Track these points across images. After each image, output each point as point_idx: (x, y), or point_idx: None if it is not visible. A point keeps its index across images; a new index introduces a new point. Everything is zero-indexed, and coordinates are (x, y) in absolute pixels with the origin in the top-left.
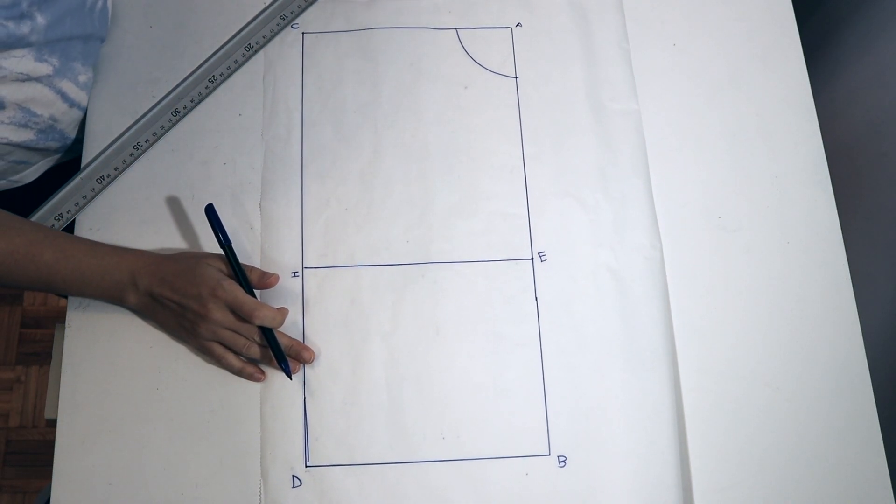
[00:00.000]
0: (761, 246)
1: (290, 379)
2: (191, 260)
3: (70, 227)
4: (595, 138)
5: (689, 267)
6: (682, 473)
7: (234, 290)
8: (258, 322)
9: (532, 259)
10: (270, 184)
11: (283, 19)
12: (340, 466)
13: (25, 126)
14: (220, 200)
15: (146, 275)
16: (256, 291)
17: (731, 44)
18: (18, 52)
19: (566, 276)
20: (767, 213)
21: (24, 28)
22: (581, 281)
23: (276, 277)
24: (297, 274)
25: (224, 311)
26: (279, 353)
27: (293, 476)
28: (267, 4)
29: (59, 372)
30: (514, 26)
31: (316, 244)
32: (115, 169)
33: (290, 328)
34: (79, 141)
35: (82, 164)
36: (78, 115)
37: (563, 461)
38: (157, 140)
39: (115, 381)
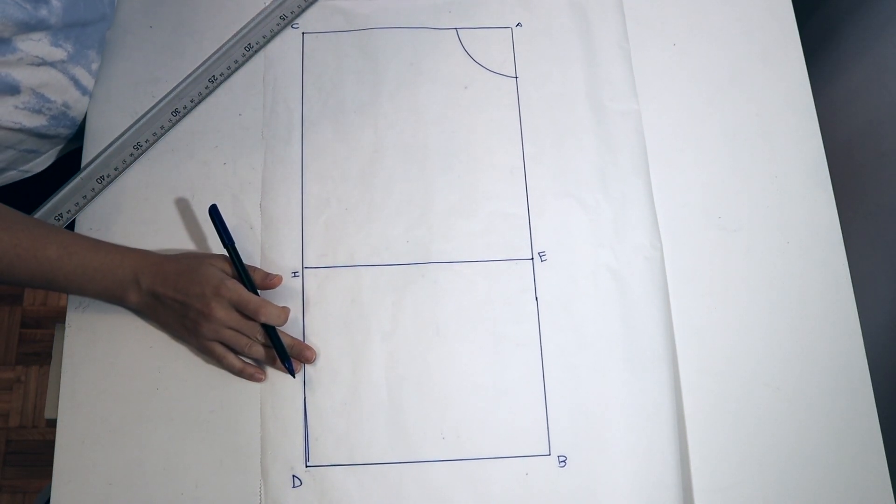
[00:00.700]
0: (761, 246)
1: (294, 377)
2: (193, 260)
3: (70, 227)
4: (595, 138)
5: (689, 267)
6: (682, 473)
7: (238, 288)
8: (264, 319)
9: (532, 259)
10: (270, 184)
11: (283, 19)
12: (341, 466)
13: (39, 112)
14: (220, 200)
15: (149, 274)
16: (259, 292)
17: (731, 44)
18: (35, 36)
19: (566, 276)
20: (767, 213)
21: (43, 11)
22: (581, 281)
23: (280, 278)
24: (297, 274)
25: (227, 311)
26: (283, 352)
27: (293, 476)
28: (267, 4)
29: (59, 372)
30: (514, 26)
31: (316, 244)
32: (115, 169)
33: (290, 328)
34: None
35: (82, 164)
36: (87, 102)
37: (564, 461)
38: (157, 140)
39: (115, 381)
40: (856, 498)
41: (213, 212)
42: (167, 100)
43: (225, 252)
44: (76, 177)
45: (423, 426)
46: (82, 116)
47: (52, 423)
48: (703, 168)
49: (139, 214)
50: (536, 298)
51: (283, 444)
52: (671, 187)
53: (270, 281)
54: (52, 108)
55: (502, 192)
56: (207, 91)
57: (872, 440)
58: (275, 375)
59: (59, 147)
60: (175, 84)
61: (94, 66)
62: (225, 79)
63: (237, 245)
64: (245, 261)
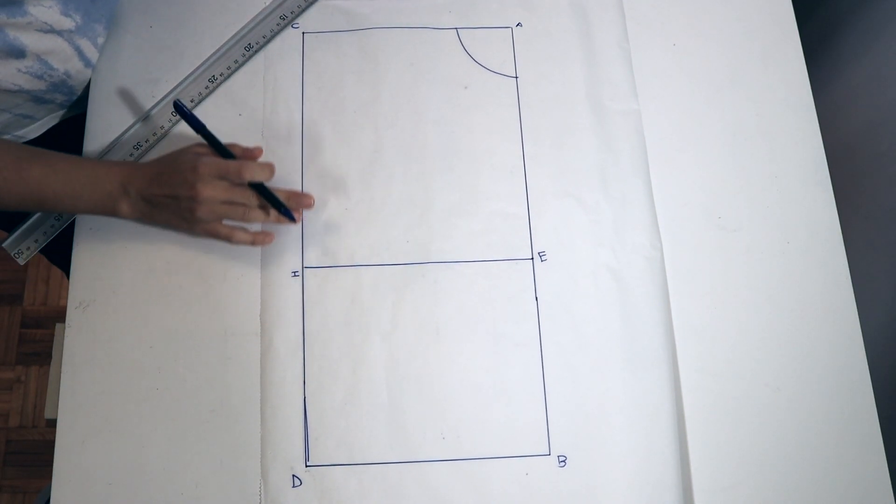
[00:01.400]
0: (761, 246)
1: (296, 222)
2: (171, 155)
3: (70, 227)
4: (595, 138)
5: (689, 267)
6: (681, 473)
7: (215, 160)
8: (248, 177)
9: (532, 259)
10: (271, 183)
11: (283, 19)
12: (340, 466)
13: (40, 77)
14: None
15: (136, 180)
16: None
17: (731, 44)
18: (47, 2)
19: (566, 275)
20: (767, 213)
21: None
22: (581, 281)
23: (260, 149)
24: (297, 274)
25: (213, 185)
26: (277, 203)
27: (293, 476)
28: (267, 4)
29: (59, 372)
30: (514, 26)
31: (316, 244)
32: None
33: (290, 327)
34: (83, 99)
35: None
36: (89, 74)
37: (563, 461)
38: (157, 140)
39: (115, 381)
40: (856, 498)
41: (178, 105)
42: (167, 100)
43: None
44: None
45: (423, 426)
46: (82, 87)
47: (52, 423)
48: (703, 168)
49: None
50: (536, 298)
51: (282, 443)
52: (671, 187)
53: (251, 153)
54: (54, 76)
55: (502, 191)
56: (207, 91)
57: (872, 440)
58: (274, 374)
59: (54, 114)
60: (175, 84)
61: (100, 41)
62: (225, 79)
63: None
64: (245, 261)
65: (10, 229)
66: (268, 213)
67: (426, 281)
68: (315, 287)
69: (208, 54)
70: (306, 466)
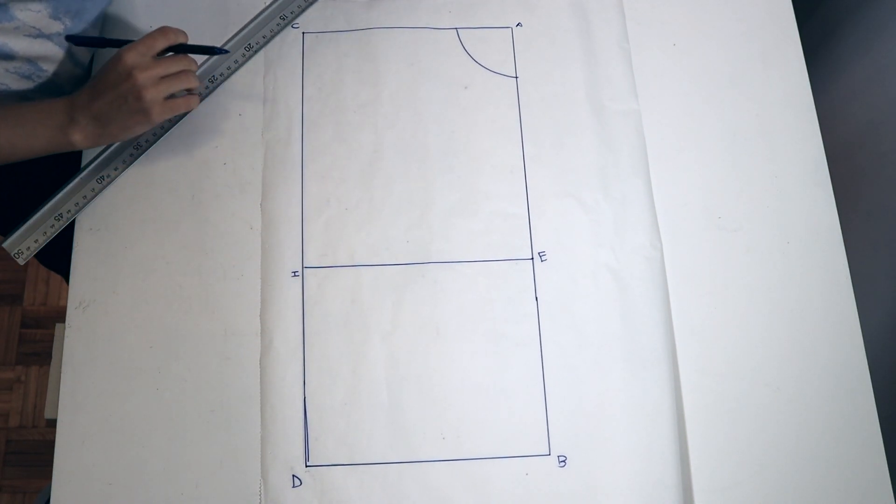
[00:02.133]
0: (761, 246)
1: (229, 52)
2: (97, 70)
3: (70, 227)
4: (595, 138)
5: (689, 267)
6: (681, 473)
7: (135, 45)
8: (172, 38)
9: (532, 259)
10: (271, 184)
11: (283, 19)
12: (340, 466)
13: (28, 78)
14: (220, 200)
15: (78, 105)
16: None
17: (731, 44)
18: (35, 6)
19: (566, 276)
20: (767, 213)
21: None
22: (581, 281)
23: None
24: (297, 273)
25: (145, 66)
26: (208, 49)
27: (293, 476)
28: (267, 4)
29: (59, 372)
30: (514, 26)
31: (316, 244)
32: (115, 169)
33: (290, 327)
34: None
35: (82, 164)
36: (79, 73)
37: (564, 461)
38: (157, 140)
39: (115, 381)
40: (856, 498)
41: (70, 38)
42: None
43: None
44: (76, 177)
45: (423, 426)
46: (71, 85)
47: (52, 423)
48: (702, 168)
49: (139, 214)
50: (536, 298)
51: (282, 443)
52: (671, 187)
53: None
54: (42, 76)
55: (502, 192)
56: (208, 91)
57: (872, 440)
58: (274, 374)
59: None
60: None
61: None
62: (225, 79)
63: (237, 245)
64: (245, 261)
65: (10, 229)
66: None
67: (426, 281)
68: (315, 287)
69: None
70: (306, 466)
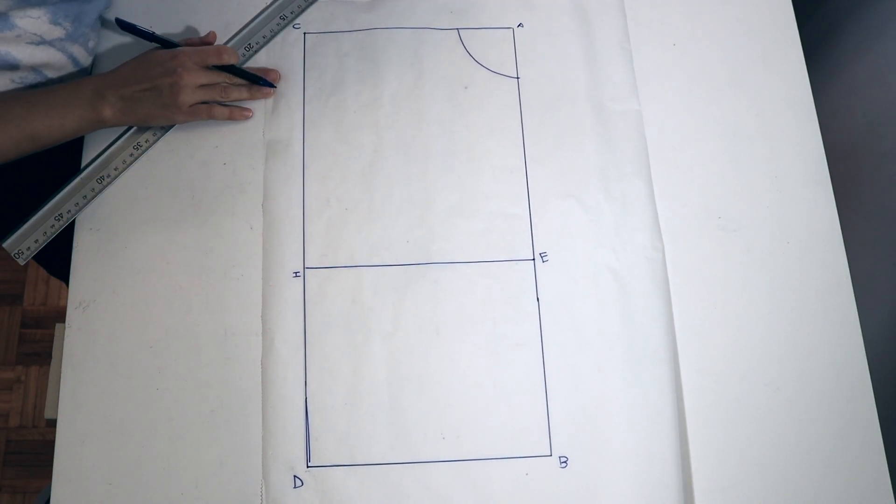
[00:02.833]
0: (761, 246)
1: (274, 87)
2: (140, 56)
3: (70, 227)
4: (596, 139)
5: (689, 267)
6: (682, 474)
7: (192, 49)
8: (226, 58)
9: (533, 259)
10: (272, 184)
11: (284, 19)
12: (341, 467)
13: (33, 86)
14: (220, 200)
15: (109, 84)
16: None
17: (731, 44)
18: (35, 13)
19: (567, 276)
20: (767, 213)
21: None
22: (582, 282)
23: (214, 34)
24: (298, 274)
25: (193, 71)
26: (253, 77)
27: (294, 476)
28: (267, 4)
29: (59, 372)
30: (515, 26)
31: (317, 244)
32: (115, 169)
33: (291, 327)
34: None
35: (82, 164)
36: (82, 76)
37: (565, 462)
38: (157, 140)
39: (115, 381)
40: (856, 498)
41: (120, 22)
42: None
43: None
44: (76, 177)
45: (424, 427)
46: None
47: (52, 423)
48: (702, 168)
49: (139, 214)
50: (538, 299)
51: (284, 444)
52: (671, 187)
53: (208, 39)
54: (46, 84)
55: (503, 192)
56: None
57: (872, 440)
58: (275, 374)
59: None
60: None
61: (92, 44)
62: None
63: (236, 245)
64: (245, 261)
65: (10, 229)
66: (244, 90)
67: (427, 281)
68: (316, 287)
69: None
70: (307, 467)
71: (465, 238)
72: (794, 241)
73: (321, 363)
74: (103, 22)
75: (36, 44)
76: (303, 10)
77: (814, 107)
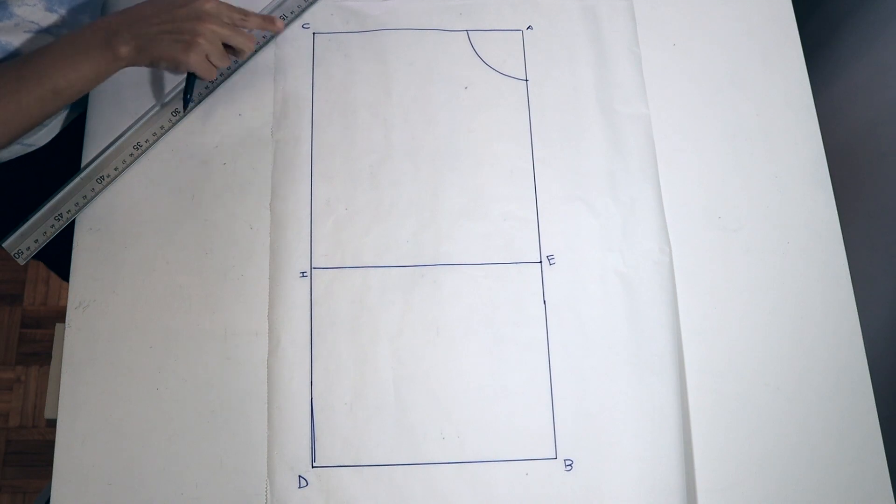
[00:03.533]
0: (761, 246)
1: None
2: None
3: (70, 227)
4: (605, 142)
5: (689, 267)
6: (687, 476)
7: (220, 3)
8: (251, 23)
9: (541, 262)
10: (280, 184)
11: (284, 19)
12: (347, 467)
13: None
14: (221, 200)
15: (123, 22)
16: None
17: (731, 44)
18: (31, 0)
19: (575, 280)
20: (767, 213)
21: None
22: (590, 285)
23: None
24: (305, 274)
25: (218, 26)
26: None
27: (299, 476)
28: (267, 4)
29: (59, 372)
30: (524, 29)
31: (324, 245)
32: (115, 169)
33: (297, 327)
34: (83, 99)
35: (82, 164)
36: None
37: (570, 465)
38: (157, 140)
39: (115, 381)
40: (856, 498)
41: None
42: (167, 100)
43: None
44: (76, 177)
45: (430, 428)
46: None
47: (52, 423)
48: (702, 168)
49: (139, 214)
50: (544, 302)
51: (289, 444)
52: (671, 187)
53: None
54: None
55: (511, 194)
56: (208, 91)
57: (872, 440)
58: (281, 374)
59: (60, 118)
60: (175, 84)
61: None
62: (225, 79)
63: (237, 246)
64: (247, 262)
65: (10, 229)
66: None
67: (434, 283)
68: (323, 288)
69: None
70: (312, 467)
71: (472, 240)
72: (794, 241)
73: (327, 364)
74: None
75: (34, 32)
76: (303, 11)
77: (814, 107)
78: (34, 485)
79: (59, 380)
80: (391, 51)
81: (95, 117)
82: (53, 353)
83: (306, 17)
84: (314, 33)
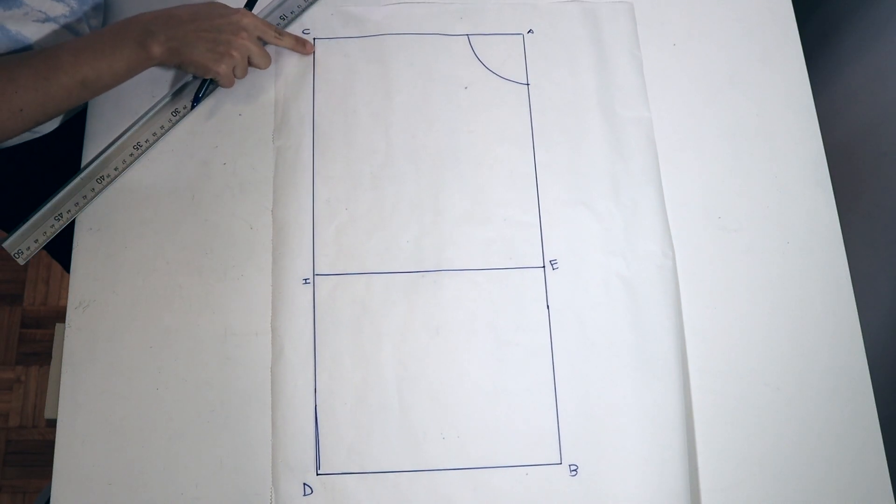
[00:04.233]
0: (761, 246)
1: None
2: (197, 3)
3: (70, 227)
4: (607, 146)
5: (690, 268)
6: (691, 480)
7: (258, 20)
8: (283, 42)
9: (544, 267)
10: (282, 190)
11: (283, 19)
12: (352, 475)
13: None
14: (220, 200)
15: (159, 22)
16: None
17: (731, 44)
18: None
19: (578, 284)
20: (767, 213)
21: None
22: (593, 289)
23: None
24: (308, 281)
25: (252, 42)
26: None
27: (304, 484)
28: (267, 4)
29: (59, 372)
30: (525, 33)
31: (327, 251)
32: (115, 169)
33: (301, 335)
34: None
35: (82, 164)
36: None
37: (575, 470)
38: (157, 140)
39: (115, 381)
40: (856, 498)
41: None
42: (167, 100)
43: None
44: (76, 177)
45: (434, 434)
46: None
47: (52, 423)
48: (702, 168)
49: (139, 214)
50: (548, 306)
51: (293, 451)
52: (671, 187)
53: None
54: None
55: (513, 199)
56: (208, 91)
57: (872, 440)
58: (284, 381)
59: None
60: (175, 84)
61: (94, 23)
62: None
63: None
64: (246, 264)
65: (11, 229)
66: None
67: (437, 288)
68: (326, 294)
69: None
70: (317, 474)
71: (475, 245)
72: (794, 241)
73: (331, 370)
74: (108, 8)
75: (42, 21)
76: (303, 11)
77: (814, 107)
78: (34, 485)
79: (59, 380)
80: (392, 55)
81: (95, 117)
82: (53, 353)
83: (306, 22)
84: (315, 38)
